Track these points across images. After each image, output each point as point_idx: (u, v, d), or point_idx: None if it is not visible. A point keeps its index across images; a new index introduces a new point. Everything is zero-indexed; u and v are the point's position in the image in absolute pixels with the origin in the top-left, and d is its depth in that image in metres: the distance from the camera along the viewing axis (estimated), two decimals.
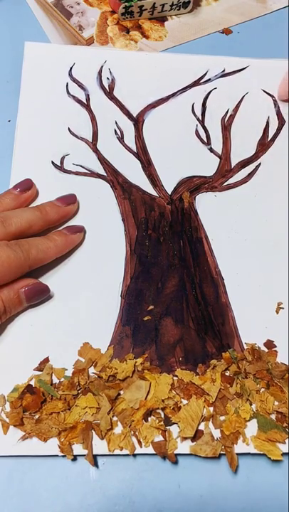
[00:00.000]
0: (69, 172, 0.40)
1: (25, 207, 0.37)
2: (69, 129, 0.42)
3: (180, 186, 0.40)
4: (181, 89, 0.45)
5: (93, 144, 0.42)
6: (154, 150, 0.42)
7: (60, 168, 0.40)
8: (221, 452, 0.30)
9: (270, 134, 0.44)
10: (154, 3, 0.49)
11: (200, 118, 0.44)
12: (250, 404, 0.32)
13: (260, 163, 0.42)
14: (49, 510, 0.29)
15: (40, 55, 0.45)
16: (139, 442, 0.30)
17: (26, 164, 0.40)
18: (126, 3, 0.48)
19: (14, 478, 0.30)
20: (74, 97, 0.44)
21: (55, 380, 0.32)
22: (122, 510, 0.29)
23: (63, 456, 0.30)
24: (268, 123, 0.44)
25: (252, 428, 0.31)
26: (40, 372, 0.32)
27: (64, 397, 0.31)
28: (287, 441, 0.31)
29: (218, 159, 0.42)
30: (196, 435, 0.30)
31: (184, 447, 0.30)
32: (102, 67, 0.46)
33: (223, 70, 0.46)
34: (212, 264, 0.37)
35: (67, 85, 0.44)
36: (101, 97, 0.44)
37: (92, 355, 0.33)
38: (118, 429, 0.30)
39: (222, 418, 0.31)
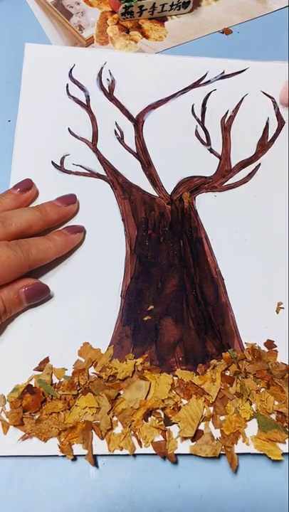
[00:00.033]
0: (69, 172, 0.40)
1: (25, 207, 0.37)
2: (69, 129, 0.42)
3: (180, 186, 0.40)
4: (181, 90, 0.45)
5: (93, 144, 0.42)
6: (154, 150, 0.42)
7: (60, 168, 0.40)
8: (221, 452, 0.30)
9: (270, 135, 0.44)
10: (154, 3, 0.49)
11: (200, 119, 0.44)
12: (250, 404, 0.32)
13: (259, 164, 0.42)
14: (49, 510, 0.29)
15: (40, 57, 0.45)
16: (139, 442, 0.30)
17: (26, 164, 0.40)
18: (126, 3, 0.48)
19: (14, 478, 0.30)
20: (74, 98, 0.44)
21: (55, 380, 0.32)
22: (122, 510, 0.29)
23: (63, 456, 0.30)
24: (267, 124, 0.44)
25: (252, 428, 0.31)
26: (40, 372, 0.32)
27: (64, 397, 0.31)
28: (287, 441, 0.31)
29: (218, 160, 0.42)
30: (196, 435, 0.30)
31: (184, 447, 0.30)
32: (102, 68, 0.46)
33: (223, 72, 0.46)
34: (212, 264, 0.37)
35: (67, 86, 0.44)
36: (101, 98, 0.44)
37: (92, 355, 0.33)
38: (118, 429, 0.30)
39: (222, 418, 0.31)
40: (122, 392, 0.32)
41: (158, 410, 0.31)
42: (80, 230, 0.37)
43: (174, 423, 0.31)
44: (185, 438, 0.30)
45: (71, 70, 0.45)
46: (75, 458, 0.30)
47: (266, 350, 0.34)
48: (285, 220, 0.40)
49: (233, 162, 0.42)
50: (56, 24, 0.50)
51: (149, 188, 0.40)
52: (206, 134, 0.43)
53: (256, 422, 0.31)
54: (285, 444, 0.31)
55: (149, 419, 0.31)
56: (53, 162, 0.41)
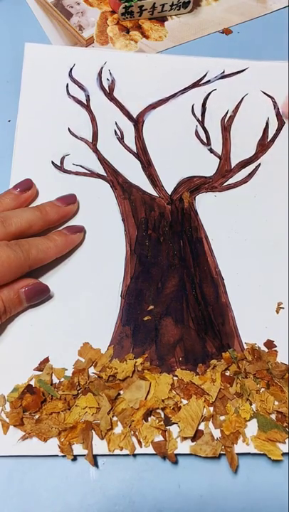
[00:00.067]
0: (69, 172, 0.40)
1: (25, 207, 0.37)
2: (69, 129, 0.42)
3: (180, 186, 0.40)
4: (181, 90, 0.45)
5: (93, 144, 0.42)
6: (154, 150, 0.42)
7: (60, 168, 0.40)
8: (221, 452, 0.30)
9: (270, 135, 0.44)
10: (154, 3, 0.49)
11: (200, 119, 0.44)
12: (250, 404, 0.32)
13: (259, 164, 0.42)
14: (49, 510, 0.29)
15: (40, 57, 0.45)
16: (139, 442, 0.30)
17: (26, 164, 0.40)
18: (126, 3, 0.48)
19: (14, 478, 0.30)
20: (74, 98, 0.44)
21: (55, 380, 0.32)
22: (122, 510, 0.29)
23: (63, 456, 0.30)
24: (267, 124, 0.44)
25: (252, 428, 0.31)
26: (40, 372, 0.32)
27: (64, 397, 0.31)
28: (287, 441, 0.31)
29: (218, 160, 0.42)
30: (196, 435, 0.30)
31: (184, 447, 0.30)
32: (102, 68, 0.46)
33: (223, 72, 0.47)
34: (212, 264, 0.37)
35: (67, 86, 0.44)
36: (101, 98, 0.44)
37: (92, 355, 0.33)
38: (118, 429, 0.30)
39: (222, 418, 0.31)
40: (122, 392, 0.32)
41: (158, 410, 0.31)
42: (80, 230, 0.37)
43: (174, 423, 0.31)
44: (185, 438, 0.30)
45: (71, 69, 0.45)
46: (75, 458, 0.30)
47: (266, 350, 0.34)
48: (285, 220, 0.40)
49: (233, 162, 0.42)
50: (56, 24, 0.50)
51: (149, 188, 0.40)
52: (206, 134, 0.43)
53: (256, 422, 0.31)
54: (285, 444, 0.31)
55: (149, 419, 0.31)
56: (53, 162, 0.41)
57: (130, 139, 0.43)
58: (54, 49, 0.47)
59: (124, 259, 0.37)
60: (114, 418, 0.31)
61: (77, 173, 0.40)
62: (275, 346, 0.34)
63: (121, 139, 0.42)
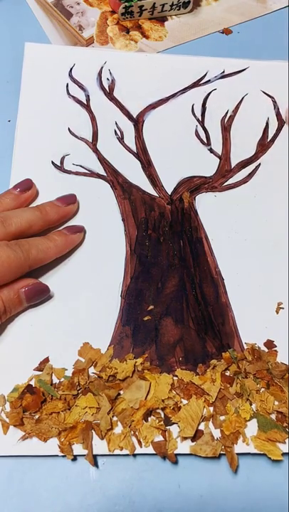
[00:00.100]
0: (69, 172, 0.40)
1: (25, 207, 0.37)
2: (69, 129, 0.42)
3: (180, 186, 0.40)
4: (181, 90, 0.45)
5: (93, 144, 0.42)
6: (154, 150, 0.42)
7: (60, 168, 0.40)
8: (221, 452, 0.30)
9: (270, 135, 0.44)
10: (154, 3, 0.49)
11: (200, 119, 0.44)
12: (250, 404, 0.32)
13: (259, 164, 0.42)
14: (49, 510, 0.29)
15: (40, 56, 0.45)
16: (139, 442, 0.30)
17: (26, 164, 0.40)
18: (126, 3, 0.48)
19: (14, 478, 0.30)
20: (74, 98, 0.44)
21: (55, 380, 0.32)
22: (122, 510, 0.29)
23: (63, 456, 0.30)
24: (267, 124, 0.44)
25: (252, 428, 0.31)
26: (40, 372, 0.32)
27: (64, 397, 0.31)
28: (287, 441, 0.31)
29: (218, 160, 0.42)
30: (196, 435, 0.30)
31: (184, 447, 0.30)
32: (102, 68, 0.46)
33: (223, 71, 0.46)
34: (212, 264, 0.37)
35: (67, 86, 0.44)
36: (101, 98, 0.44)
37: (92, 355, 0.33)
38: (118, 429, 0.30)
39: (222, 418, 0.31)
40: (122, 392, 0.32)
41: (158, 410, 0.31)
42: (80, 230, 0.37)
43: (174, 423, 0.31)
44: (185, 438, 0.30)
45: (71, 69, 0.45)
46: (75, 458, 0.30)
47: (266, 350, 0.34)
48: (285, 220, 0.40)
49: (233, 162, 0.42)
50: (56, 24, 0.50)
51: (149, 188, 0.40)
52: (206, 134, 0.43)
53: (256, 422, 0.31)
54: (285, 444, 0.31)
55: (149, 419, 0.31)
56: (53, 162, 0.41)
57: (130, 139, 0.43)
58: (54, 49, 0.47)
59: (124, 259, 0.37)
60: (114, 418, 0.31)
61: (77, 173, 0.40)
62: (275, 346, 0.34)
63: (121, 139, 0.42)
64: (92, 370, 0.32)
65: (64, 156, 0.41)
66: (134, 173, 0.41)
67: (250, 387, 0.32)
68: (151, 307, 0.35)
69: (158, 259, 0.37)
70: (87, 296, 0.35)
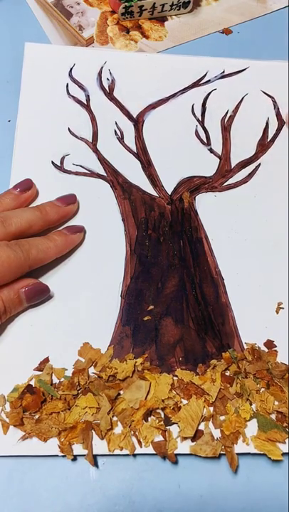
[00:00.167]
0: (69, 172, 0.40)
1: (25, 207, 0.37)
2: (69, 129, 0.42)
3: (180, 186, 0.40)
4: (181, 90, 0.45)
5: (93, 144, 0.42)
6: (154, 150, 0.42)
7: (60, 168, 0.40)
8: (221, 452, 0.30)
9: (270, 135, 0.44)
10: (154, 3, 0.49)
11: (200, 119, 0.44)
12: (250, 404, 0.32)
13: (259, 164, 0.42)
14: (49, 510, 0.29)
15: (40, 56, 0.45)
16: (139, 442, 0.30)
17: (26, 164, 0.40)
18: (126, 3, 0.48)
19: (14, 478, 0.30)
20: (74, 98, 0.44)
21: (55, 380, 0.32)
22: (122, 510, 0.29)
23: (63, 456, 0.30)
24: (267, 124, 0.44)
25: (252, 428, 0.31)
26: (40, 372, 0.32)
27: (64, 397, 0.31)
28: (287, 441, 0.31)
29: (218, 160, 0.42)
30: (196, 435, 0.30)
31: (184, 447, 0.30)
32: (102, 68, 0.46)
33: (223, 71, 0.46)
34: (212, 264, 0.37)
35: (67, 86, 0.44)
36: (101, 98, 0.44)
37: (92, 355, 0.33)
38: (118, 429, 0.30)
39: (222, 418, 0.31)
40: (122, 392, 0.32)
41: (158, 410, 0.31)
42: (80, 230, 0.37)
43: (174, 423, 0.31)
44: (185, 438, 0.30)
45: (71, 69, 0.45)
46: (75, 458, 0.30)
47: (266, 350, 0.34)
48: (285, 220, 0.40)
49: (233, 162, 0.42)
50: (56, 24, 0.50)
51: (149, 188, 0.40)
52: (206, 134, 0.43)
53: (256, 422, 0.31)
54: (285, 444, 0.31)
55: (149, 419, 0.31)
56: (53, 162, 0.41)
57: (130, 139, 0.43)
58: (54, 49, 0.47)
59: (124, 259, 0.37)
60: (114, 418, 0.31)
61: (77, 173, 0.40)
62: (275, 346, 0.34)
63: (121, 139, 0.42)
64: (92, 370, 0.32)
65: (64, 156, 0.41)
66: (134, 173, 0.41)
67: (250, 387, 0.32)
68: (151, 307, 0.35)
69: (158, 259, 0.37)
70: (87, 296, 0.35)
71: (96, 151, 0.42)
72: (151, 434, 0.30)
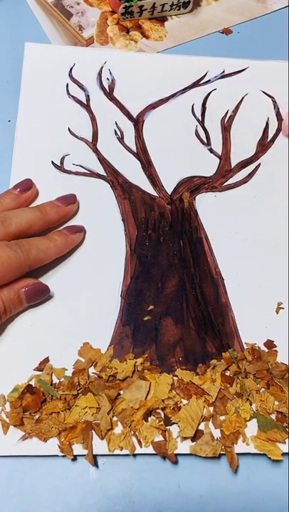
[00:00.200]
0: (69, 172, 0.40)
1: (25, 207, 0.37)
2: (69, 129, 0.42)
3: (180, 186, 0.40)
4: (181, 90, 0.45)
5: (93, 144, 0.42)
6: (154, 150, 0.42)
7: (60, 168, 0.40)
8: (221, 452, 0.30)
9: (270, 135, 0.44)
10: (154, 3, 0.49)
11: (200, 119, 0.44)
12: (250, 404, 0.32)
13: (259, 164, 0.42)
14: (49, 510, 0.29)
15: (40, 56, 0.45)
16: (139, 442, 0.30)
17: (26, 164, 0.40)
18: (126, 3, 0.48)
19: (14, 478, 0.30)
20: (74, 98, 0.44)
21: (55, 380, 0.32)
22: (122, 510, 0.29)
23: (63, 456, 0.30)
24: (267, 124, 0.44)
25: (252, 428, 0.31)
26: (40, 372, 0.32)
27: (64, 397, 0.31)
28: (287, 441, 0.31)
29: (218, 160, 0.42)
30: (196, 435, 0.30)
31: (184, 447, 0.30)
32: (102, 67, 0.46)
33: (223, 71, 0.46)
34: (212, 264, 0.37)
35: (67, 86, 0.44)
36: (101, 98, 0.44)
37: (92, 355, 0.33)
38: (118, 429, 0.30)
39: (222, 418, 0.31)
40: (122, 392, 0.32)
41: (158, 410, 0.31)
42: (80, 230, 0.37)
43: (174, 423, 0.31)
44: (185, 438, 0.30)
45: (71, 69, 0.45)
46: (75, 458, 0.30)
47: (266, 350, 0.34)
48: (285, 220, 0.40)
49: (233, 162, 0.42)
50: (56, 24, 0.50)
51: (149, 188, 0.40)
52: (206, 133, 0.43)
53: (256, 422, 0.31)
54: (285, 444, 0.31)
55: (149, 419, 0.31)
56: (53, 162, 0.41)
57: (130, 139, 0.43)
58: (54, 49, 0.47)
59: (124, 259, 0.37)
60: (114, 418, 0.31)
61: (77, 173, 0.40)
62: (275, 346, 0.34)
63: (121, 139, 0.42)
64: (92, 370, 0.32)
65: (64, 156, 0.41)
66: (134, 173, 0.41)
67: (250, 387, 0.32)
68: (151, 307, 0.35)
69: (158, 259, 0.37)
70: (87, 296, 0.35)
71: (96, 151, 0.42)
72: (151, 434, 0.30)
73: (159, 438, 0.30)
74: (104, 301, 0.35)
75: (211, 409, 0.31)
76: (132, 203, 0.39)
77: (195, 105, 0.45)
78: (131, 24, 0.50)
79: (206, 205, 0.40)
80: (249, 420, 0.31)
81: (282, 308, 0.36)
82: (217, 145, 0.43)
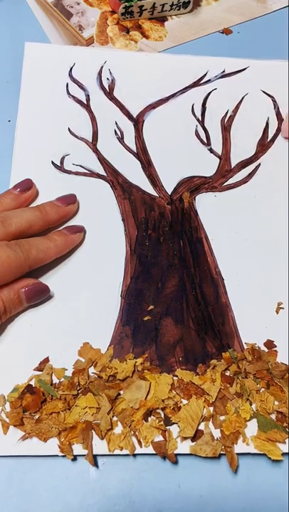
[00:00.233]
0: (69, 172, 0.40)
1: (25, 207, 0.37)
2: (69, 129, 0.42)
3: (180, 186, 0.40)
4: (181, 89, 0.45)
5: (93, 144, 0.42)
6: (154, 150, 0.42)
7: (60, 168, 0.40)
8: (221, 452, 0.30)
9: (270, 135, 0.44)
10: (154, 3, 0.49)
11: (200, 118, 0.44)
12: (250, 404, 0.32)
13: (259, 164, 0.42)
14: (49, 510, 0.29)
15: (40, 56, 0.45)
16: (139, 442, 0.30)
17: (26, 164, 0.40)
18: (126, 3, 0.48)
19: (14, 478, 0.30)
20: (74, 98, 0.44)
21: (55, 380, 0.32)
22: (122, 510, 0.29)
23: (63, 456, 0.30)
24: (267, 124, 0.44)
25: (252, 428, 0.31)
26: (40, 372, 0.32)
27: (64, 397, 0.31)
28: (287, 441, 0.31)
29: (218, 160, 0.42)
30: (196, 435, 0.30)
31: (184, 447, 0.30)
32: (102, 67, 0.46)
33: (223, 71, 0.46)
34: (212, 264, 0.37)
35: (67, 86, 0.44)
36: (101, 98, 0.44)
37: (92, 355, 0.33)
38: (118, 429, 0.30)
39: (222, 418, 0.31)
40: (122, 392, 0.32)
41: (158, 410, 0.31)
42: (80, 230, 0.37)
43: (174, 423, 0.31)
44: (185, 438, 0.30)
45: (71, 69, 0.45)
46: (75, 458, 0.30)
47: (266, 350, 0.34)
48: (285, 220, 0.40)
49: (233, 162, 0.42)
50: (56, 24, 0.50)
51: (149, 188, 0.40)
52: (206, 133, 0.43)
53: (256, 422, 0.31)
54: (285, 444, 0.31)
55: (149, 419, 0.31)
56: (53, 162, 0.41)
57: (130, 139, 0.43)
58: (54, 48, 0.47)
59: (124, 259, 0.37)
60: (114, 418, 0.31)
61: (77, 173, 0.40)
62: (275, 346, 0.34)
63: (121, 139, 0.42)
64: (92, 370, 0.32)
65: (64, 156, 0.41)
66: (134, 173, 0.41)
67: (250, 387, 0.32)
68: (151, 307, 0.35)
69: (158, 259, 0.37)
70: (87, 296, 0.35)
71: (96, 151, 0.42)
72: (151, 434, 0.30)
73: (159, 438, 0.30)
74: (104, 301, 0.35)
75: (211, 409, 0.31)
76: (132, 203, 0.39)
77: (195, 105, 0.45)
78: (131, 24, 0.50)
79: (206, 205, 0.40)
80: (249, 420, 0.31)
81: (282, 308, 0.36)
82: (217, 145, 0.43)
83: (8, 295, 0.32)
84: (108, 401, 0.31)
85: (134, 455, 0.30)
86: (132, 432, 0.30)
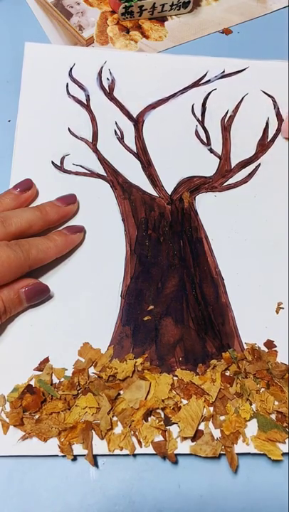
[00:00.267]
0: (69, 172, 0.40)
1: (25, 207, 0.37)
2: (69, 129, 0.42)
3: (180, 186, 0.40)
4: (181, 89, 0.45)
5: (93, 144, 0.42)
6: (154, 150, 0.42)
7: (60, 168, 0.40)
8: (221, 452, 0.30)
9: (270, 135, 0.44)
10: (154, 3, 0.49)
11: (200, 119, 0.44)
12: (250, 404, 0.32)
13: (259, 164, 0.42)
14: (49, 510, 0.29)
15: (40, 56, 0.45)
16: (139, 442, 0.30)
17: (26, 164, 0.40)
18: (126, 3, 0.48)
19: (14, 478, 0.30)
20: (74, 98, 0.44)
21: (55, 380, 0.32)
22: (122, 510, 0.29)
23: (63, 456, 0.30)
24: (267, 124, 0.44)
25: (252, 428, 0.31)
26: (40, 372, 0.32)
27: (64, 397, 0.31)
28: (287, 441, 0.31)
29: (218, 160, 0.42)
30: (196, 435, 0.30)
31: (184, 447, 0.30)
32: (102, 67, 0.46)
33: (223, 71, 0.47)
34: (212, 264, 0.37)
35: (67, 86, 0.44)
36: (101, 98, 0.44)
37: (92, 355, 0.33)
38: (118, 429, 0.30)
39: (222, 418, 0.31)
40: (122, 392, 0.32)
41: (158, 410, 0.31)
42: (80, 230, 0.37)
43: (174, 423, 0.31)
44: (185, 438, 0.30)
45: (71, 69, 0.45)
46: (75, 458, 0.30)
47: (266, 350, 0.34)
48: (285, 220, 0.40)
49: (233, 162, 0.42)
50: (56, 24, 0.50)
51: (149, 188, 0.40)
52: (206, 133, 0.43)
53: (256, 422, 0.31)
54: (285, 444, 0.31)
55: (149, 419, 0.31)
56: (53, 162, 0.41)
57: (130, 139, 0.43)
58: (54, 48, 0.47)
59: (124, 259, 0.37)
60: (114, 418, 0.31)
61: (77, 173, 0.40)
62: (275, 346, 0.34)
63: (121, 139, 0.42)
64: (92, 370, 0.32)
65: (64, 156, 0.41)
66: (134, 173, 0.41)
67: (250, 387, 0.32)
68: (151, 307, 0.35)
69: (158, 259, 0.37)
70: (87, 296, 0.35)
71: (96, 151, 0.42)
72: (151, 434, 0.30)
73: (159, 438, 0.30)
74: (104, 301, 0.35)
75: (211, 409, 0.31)
76: (132, 203, 0.39)
77: (195, 105, 0.45)
78: (131, 24, 0.50)
79: (206, 205, 0.40)
80: (249, 420, 0.31)
81: (282, 308, 0.36)
82: (217, 145, 0.43)
83: (8, 295, 0.32)
84: (108, 401, 0.31)
85: (134, 455, 0.30)
86: (132, 432, 0.30)
